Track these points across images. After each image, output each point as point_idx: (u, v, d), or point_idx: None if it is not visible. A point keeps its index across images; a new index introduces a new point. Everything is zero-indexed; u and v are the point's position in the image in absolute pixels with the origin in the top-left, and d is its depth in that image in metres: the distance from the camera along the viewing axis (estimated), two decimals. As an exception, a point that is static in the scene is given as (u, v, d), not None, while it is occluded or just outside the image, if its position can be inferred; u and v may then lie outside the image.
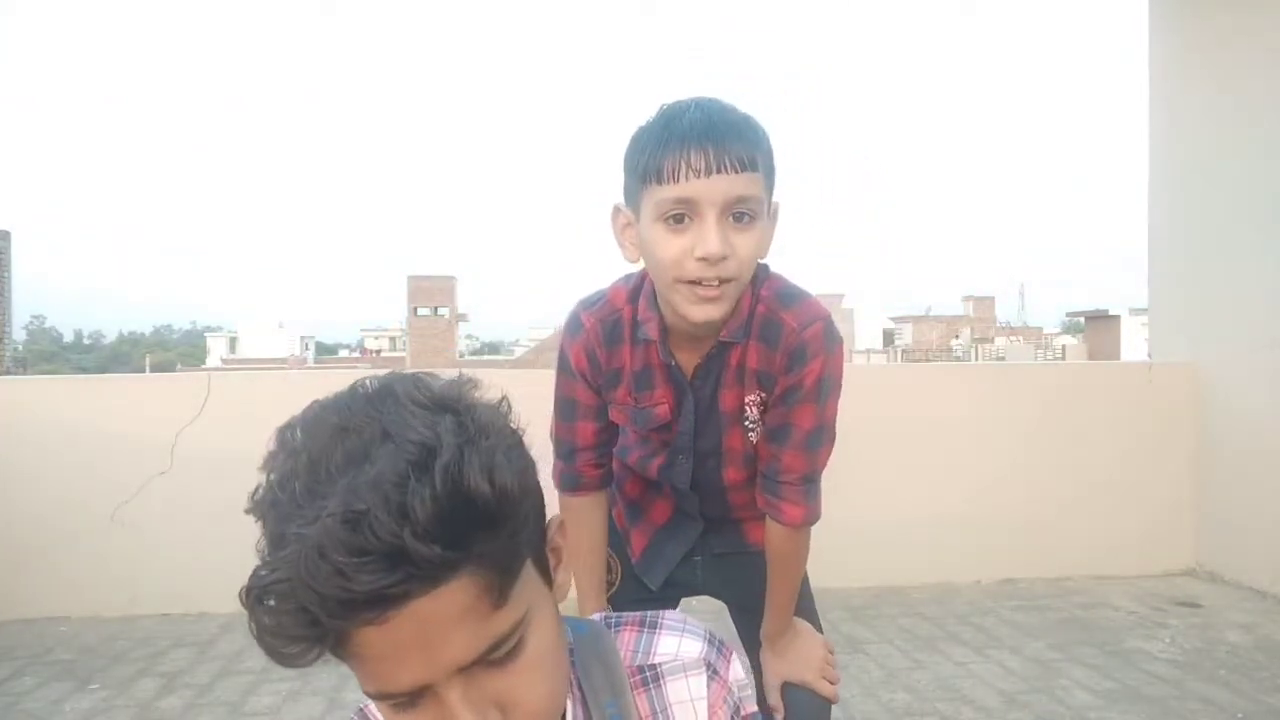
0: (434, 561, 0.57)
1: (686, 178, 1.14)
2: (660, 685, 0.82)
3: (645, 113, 1.25)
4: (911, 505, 4.30)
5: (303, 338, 75.09)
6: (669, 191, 1.16)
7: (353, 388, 0.66)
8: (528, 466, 0.67)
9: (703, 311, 1.21)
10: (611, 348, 1.35)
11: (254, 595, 0.58)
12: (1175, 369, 4.62)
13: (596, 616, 0.89)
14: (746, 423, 1.36)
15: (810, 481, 1.34)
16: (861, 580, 4.18)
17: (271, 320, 76.97)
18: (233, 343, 73.42)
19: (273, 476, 0.62)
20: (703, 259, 1.16)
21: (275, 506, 0.60)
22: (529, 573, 0.67)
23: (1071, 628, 3.72)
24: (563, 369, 1.40)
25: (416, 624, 0.59)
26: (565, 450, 1.44)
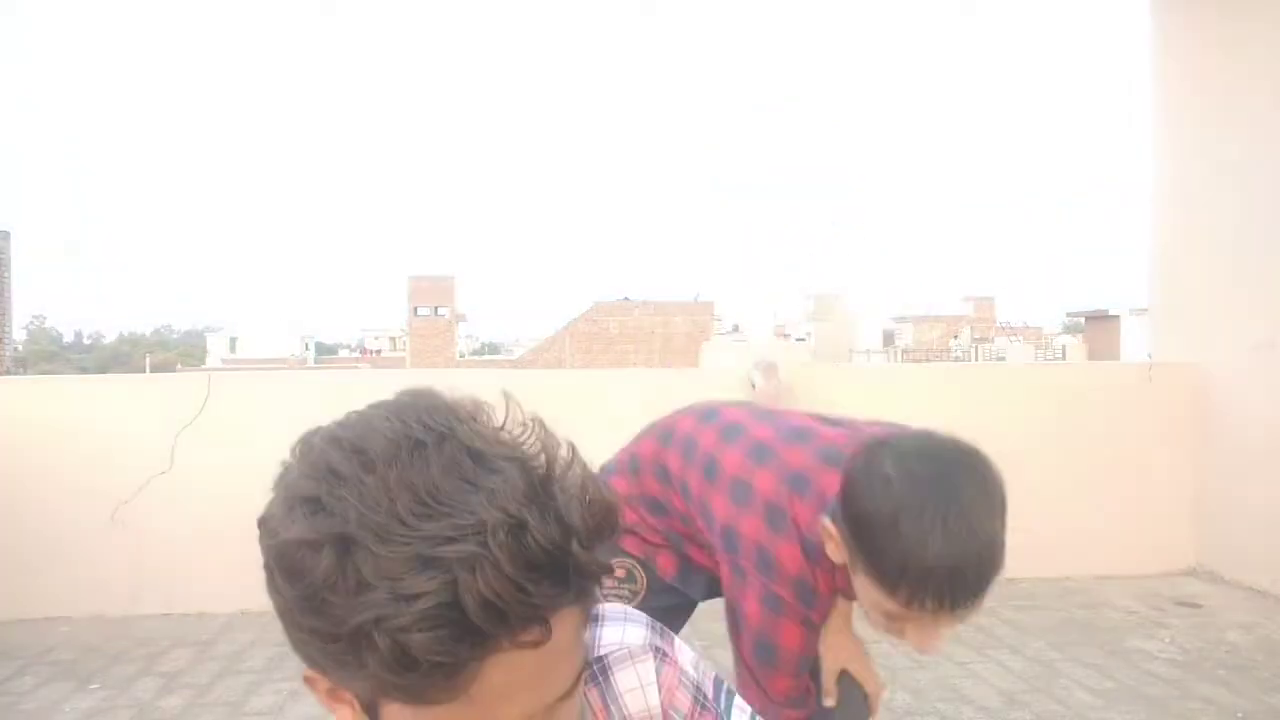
0: (595, 572, 0.56)
1: (917, 610, 1.10)
2: (609, 677, 0.80)
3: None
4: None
5: (303, 338, 74.95)
6: (892, 606, 1.12)
7: (396, 403, 0.62)
8: None
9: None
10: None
11: (390, 624, 0.52)
12: (1175, 369, 4.61)
13: None
14: None
15: None
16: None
17: (271, 320, 76.94)
18: (233, 343, 73.33)
19: (340, 496, 0.55)
20: (916, 647, 1.16)
21: (371, 528, 0.54)
22: None
23: (1071, 628, 3.72)
24: (802, 596, 1.35)
25: (543, 652, 0.55)
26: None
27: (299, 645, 0.59)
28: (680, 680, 0.83)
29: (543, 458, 0.57)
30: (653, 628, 0.85)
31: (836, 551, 1.22)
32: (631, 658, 0.81)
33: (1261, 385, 4.21)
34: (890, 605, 1.11)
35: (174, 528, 3.97)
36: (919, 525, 1.06)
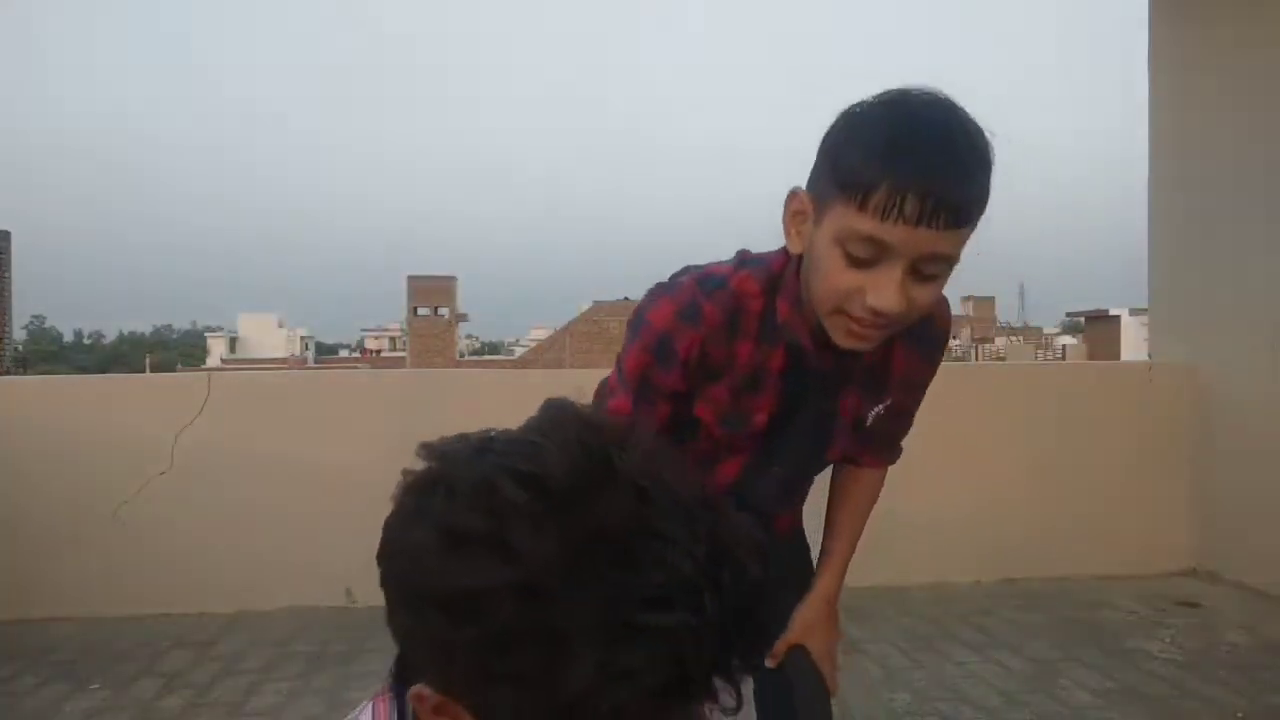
0: (763, 635, 0.58)
1: (894, 220, 0.98)
2: None
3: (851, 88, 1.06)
4: (911, 505, 4.28)
5: (303, 338, 75.04)
6: (865, 225, 1.00)
7: (555, 420, 0.58)
8: None
9: (852, 343, 1.11)
10: (729, 342, 1.19)
11: (611, 701, 0.49)
12: (1175, 369, 4.61)
13: None
14: (861, 429, 1.31)
15: None
16: (861, 580, 4.16)
17: (271, 320, 76.93)
18: (233, 343, 73.37)
19: (520, 538, 0.50)
20: (876, 312, 1.04)
21: (559, 577, 0.49)
22: None
23: (1071, 628, 3.72)
24: (661, 355, 1.19)
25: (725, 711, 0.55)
26: None
27: (451, 674, 0.55)
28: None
29: (706, 500, 0.54)
30: None
31: (799, 228, 1.12)
32: None
33: (1261, 385, 4.21)
34: (863, 226, 1.00)
35: (174, 528, 3.97)
36: (899, 109, 1.03)
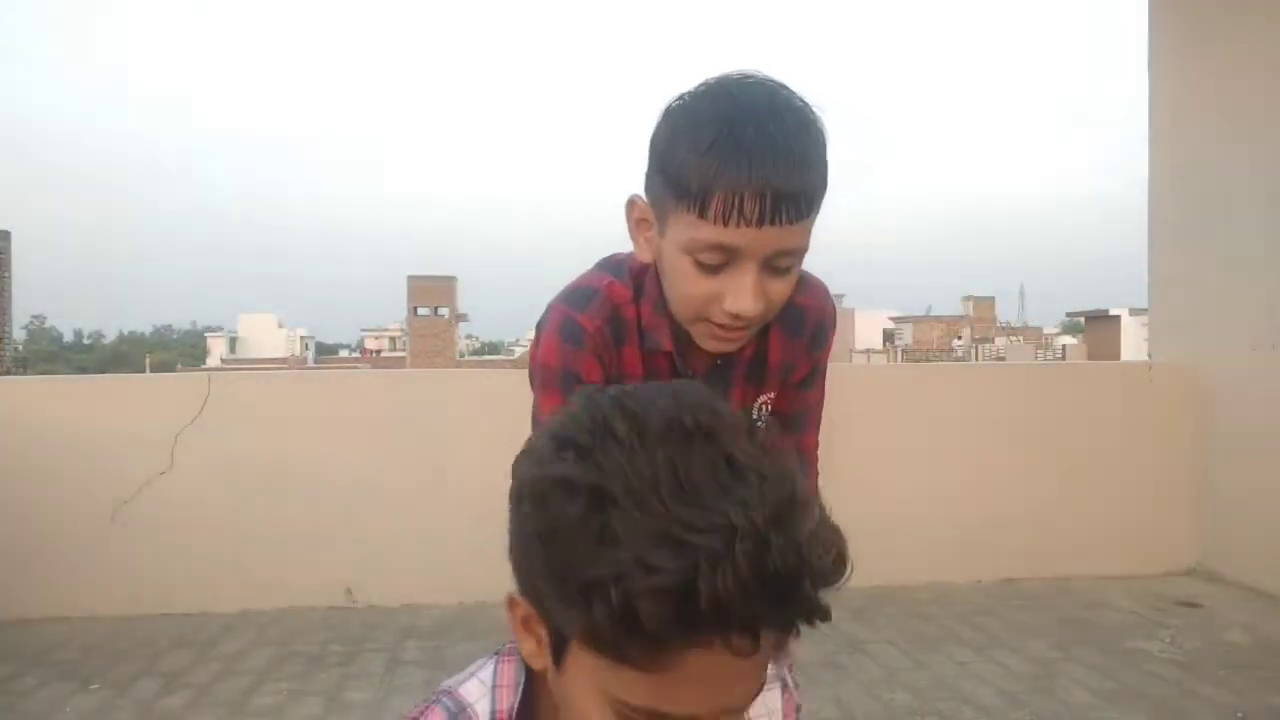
0: (813, 612, 0.60)
1: (736, 223, 0.97)
2: None
3: (676, 85, 1.03)
4: (912, 505, 4.30)
5: (303, 338, 75.07)
6: (709, 234, 0.99)
7: (676, 390, 0.65)
8: None
9: (719, 346, 1.11)
10: (616, 350, 1.17)
11: (627, 586, 0.56)
12: (1175, 369, 4.61)
13: None
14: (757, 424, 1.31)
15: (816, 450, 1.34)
16: (861, 580, 4.16)
17: (271, 320, 76.97)
18: (233, 343, 73.41)
19: (611, 455, 0.60)
20: (735, 315, 1.03)
21: (630, 492, 0.58)
22: None
23: (1071, 628, 3.72)
24: (567, 390, 1.14)
25: (740, 662, 0.59)
26: None
27: (525, 571, 0.64)
28: (793, 709, 0.88)
29: (789, 486, 0.60)
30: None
31: (645, 236, 1.10)
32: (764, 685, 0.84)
33: (1261, 385, 4.21)
34: (706, 235, 0.99)
35: (174, 528, 3.97)
36: (720, 102, 1.00)
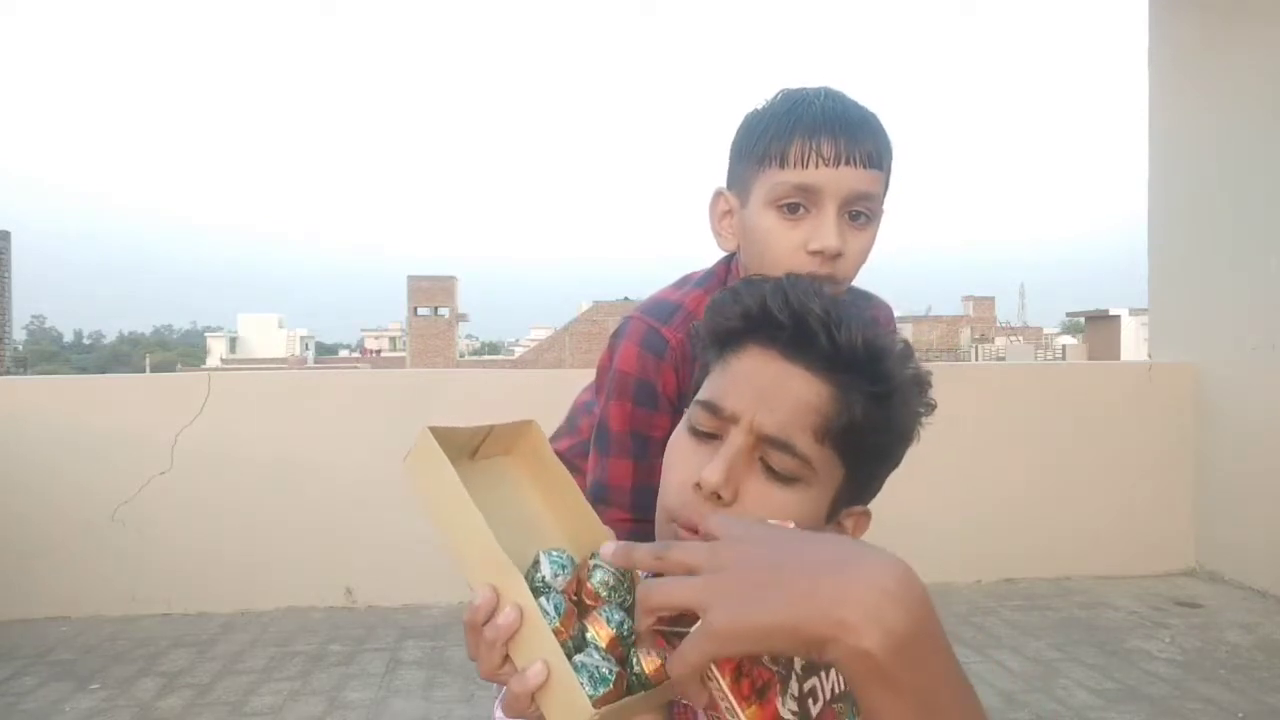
0: (834, 354, 0.79)
1: (815, 165, 1.08)
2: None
3: (738, 101, 1.19)
4: (912, 505, 4.28)
5: (303, 338, 75.07)
6: (791, 176, 1.09)
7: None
8: None
9: None
10: (693, 366, 1.17)
11: (750, 296, 0.82)
12: (1175, 369, 4.61)
13: None
14: None
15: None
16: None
17: (271, 320, 76.98)
18: (233, 343, 73.42)
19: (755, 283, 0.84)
20: (818, 252, 1.09)
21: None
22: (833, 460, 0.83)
23: (1071, 628, 3.72)
24: (643, 400, 1.18)
25: (780, 376, 0.78)
26: (639, 501, 1.18)
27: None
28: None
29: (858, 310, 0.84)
30: None
31: (730, 224, 1.19)
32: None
33: (1261, 385, 4.21)
34: (789, 178, 1.09)
35: (174, 528, 3.97)
36: (792, 94, 1.15)
